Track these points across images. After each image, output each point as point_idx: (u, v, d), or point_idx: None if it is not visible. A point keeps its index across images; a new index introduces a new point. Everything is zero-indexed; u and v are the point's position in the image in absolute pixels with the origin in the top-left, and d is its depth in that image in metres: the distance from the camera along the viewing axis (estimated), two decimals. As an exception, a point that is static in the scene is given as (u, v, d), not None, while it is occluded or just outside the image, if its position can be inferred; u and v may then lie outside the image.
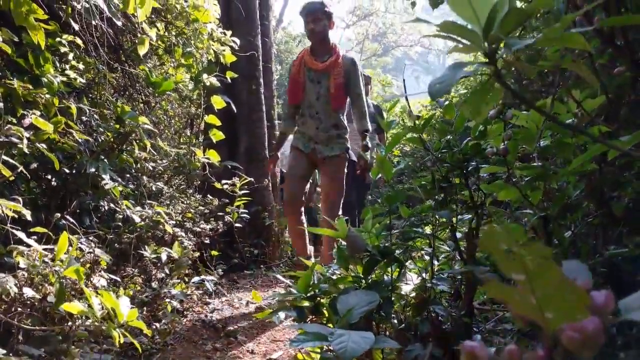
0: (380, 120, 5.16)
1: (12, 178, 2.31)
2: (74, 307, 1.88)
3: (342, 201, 4.08)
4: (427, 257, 1.98)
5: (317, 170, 4.41)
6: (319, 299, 1.63)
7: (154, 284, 3.07)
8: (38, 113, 2.32)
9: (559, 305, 0.32)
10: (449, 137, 1.74)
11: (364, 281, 1.65)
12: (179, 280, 3.21)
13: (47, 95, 2.57)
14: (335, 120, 4.06)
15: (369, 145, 3.80)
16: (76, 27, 2.67)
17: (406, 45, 28.18)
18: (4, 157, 2.25)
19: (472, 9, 0.63)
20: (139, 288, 2.99)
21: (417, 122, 1.61)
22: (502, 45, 0.68)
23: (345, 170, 4.12)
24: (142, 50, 3.07)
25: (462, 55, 0.78)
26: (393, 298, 1.69)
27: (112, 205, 3.27)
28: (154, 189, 3.89)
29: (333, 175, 4.03)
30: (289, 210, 4.05)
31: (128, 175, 3.71)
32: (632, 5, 1.96)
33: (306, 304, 1.59)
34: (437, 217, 1.79)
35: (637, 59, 1.80)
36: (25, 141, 2.13)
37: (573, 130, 1.31)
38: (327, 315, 1.61)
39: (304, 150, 4.09)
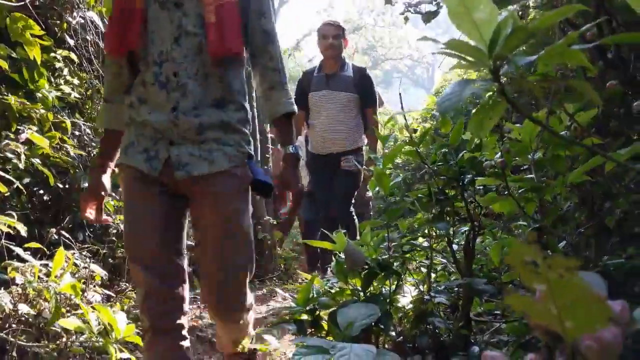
0: (369, 92, 4.32)
1: (7, 194, 2.30)
2: (70, 323, 1.87)
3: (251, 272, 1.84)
4: (423, 270, 1.99)
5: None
6: (318, 312, 1.63)
7: (149, 299, 3.05)
8: (35, 128, 2.32)
9: (579, 315, 0.33)
10: (444, 149, 1.76)
11: (362, 294, 1.66)
12: (173, 295, 3.19)
13: (42, 110, 2.57)
14: (220, 89, 1.81)
15: (300, 152, 1.96)
16: (72, 42, 2.68)
17: (395, 59, 28.43)
18: (-2, 172, 2.25)
19: (477, 29, 0.65)
20: (132, 303, 2.97)
21: (414, 135, 1.64)
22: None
23: (250, 204, 1.87)
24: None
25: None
26: (391, 310, 1.70)
27: (105, 219, 3.26)
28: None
29: (222, 222, 1.77)
30: (154, 330, 1.77)
31: (121, 190, 3.69)
32: (621, 19, 2.00)
33: (306, 317, 1.60)
34: (434, 229, 1.81)
35: (631, 74, 1.84)
36: (22, 157, 2.12)
37: (569, 143, 1.33)
38: (326, 328, 1.62)
39: (149, 173, 1.77)
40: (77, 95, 3.07)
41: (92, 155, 3.25)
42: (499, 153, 1.71)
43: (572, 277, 0.30)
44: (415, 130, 1.66)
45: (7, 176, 2.24)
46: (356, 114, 4.40)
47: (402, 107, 1.90)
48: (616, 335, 0.35)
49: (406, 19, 3.19)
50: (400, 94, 1.73)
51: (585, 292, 0.32)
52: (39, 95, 2.65)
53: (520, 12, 2.71)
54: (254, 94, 4.80)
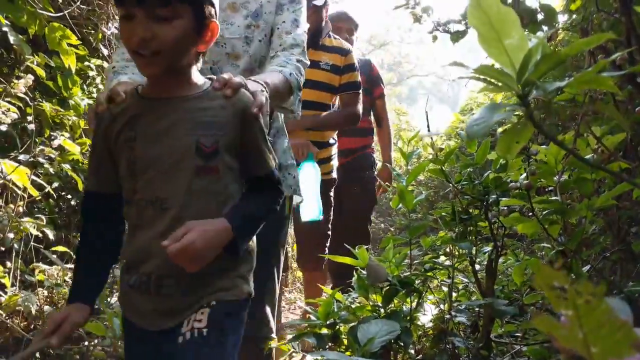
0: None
1: (38, 198, 2.36)
2: (94, 326, 1.90)
3: None
4: (445, 288, 1.98)
5: None
6: (338, 326, 1.64)
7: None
8: (67, 135, 2.38)
9: (605, 340, 0.34)
10: (469, 169, 1.76)
11: (382, 310, 1.66)
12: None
13: (74, 117, 2.64)
14: None
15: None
16: (106, 52, 2.75)
17: (420, 75, 28.38)
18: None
19: (507, 54, 0.66)
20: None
21: (439, 154, 1.64)
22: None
23: None
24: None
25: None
26: (411, 328, 1.69)
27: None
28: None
29: None
30: None
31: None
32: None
33: (326, 331, 1.60)
34: (456, 248, 1.81)
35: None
36: (55, 162, 2.19)
37: (595, 168, 1.33)
38: (346, 343, 1.62)
39: None
40: (108, 104, 3.14)
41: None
42: (525, 174, 1.71)
43: (600, 303, 0.31)
44: (441, 149, 1.66)
45: (39, 180, 2.30)
46: None
47: (428, 126, 1.91)
48: (640, 362, 0.36)
49: (435, 37, 3.20)
50: (427, 112, 1.74)
51: (612, 318, 0.33)
52: (71, 102, 2.72)
53: (549, 34, 2.70)
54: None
